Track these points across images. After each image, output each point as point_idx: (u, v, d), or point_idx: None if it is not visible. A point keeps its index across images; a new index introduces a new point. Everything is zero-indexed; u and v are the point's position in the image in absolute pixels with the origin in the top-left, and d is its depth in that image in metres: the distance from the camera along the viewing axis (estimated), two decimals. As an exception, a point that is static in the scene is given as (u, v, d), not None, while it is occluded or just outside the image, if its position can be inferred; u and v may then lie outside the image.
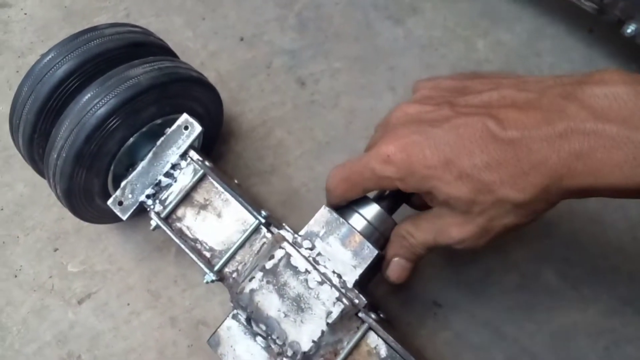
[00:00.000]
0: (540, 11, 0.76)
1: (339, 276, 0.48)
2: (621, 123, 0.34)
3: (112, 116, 0.50)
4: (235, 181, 0.61)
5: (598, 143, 0.35)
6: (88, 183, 0.54)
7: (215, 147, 0.69)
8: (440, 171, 0.40)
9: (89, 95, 0.51)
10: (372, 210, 0.50)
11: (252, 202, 0.55)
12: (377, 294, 0.62)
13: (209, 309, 0.63)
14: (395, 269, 0.49)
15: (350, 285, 0.48)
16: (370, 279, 0.54)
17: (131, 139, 0.54)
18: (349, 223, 0.49)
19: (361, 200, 0.50)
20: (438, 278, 0.62)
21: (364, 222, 0.50)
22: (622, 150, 0.34)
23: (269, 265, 0.48)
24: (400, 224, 0.48)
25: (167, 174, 0.54)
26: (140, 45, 0.57)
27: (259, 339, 0.48)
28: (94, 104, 0.50)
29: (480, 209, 0.40)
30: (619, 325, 0.60)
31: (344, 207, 0.51)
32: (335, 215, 0.50)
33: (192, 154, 0.54)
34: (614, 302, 0.61)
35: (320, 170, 0.69)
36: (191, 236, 0.53)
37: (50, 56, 0.53)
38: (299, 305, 0.47)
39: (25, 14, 0.82)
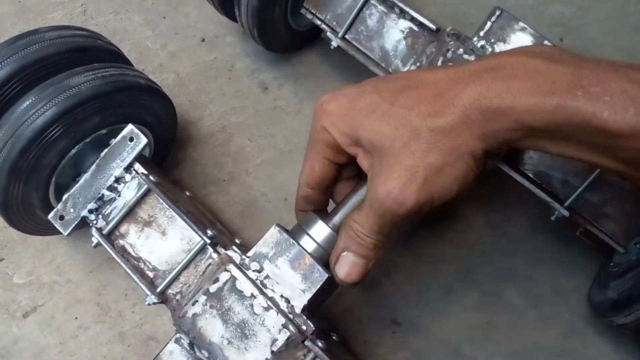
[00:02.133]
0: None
1: (287, 301, 0.46)
2: (547, 59, 0.36)
3: (50, 127, 0.48)
4: (187, 193, 0.58)
5: (520, 70, 0.36)
6: (26, 196, 0.51)
7: (170, 153, 0.66)
8: (366, 112, 0.41)
9: (25, 104, 0.48)
10: (322, 232, 0.48)
11: (201, 218, 0.53)
12: (334, 311, 0.60)
13: (159, 324, 0.60)
14: (344, 264, 0.44)
15: (298, 310, 0.46)
16: (323, 301, 0.52)
17: (73, 150, 0.52)
18: (299, 244, 0.47)
19: (310, 222, 0.48)
20: (398, 295, 0.61)
21: (314, 245, 0.47)
22: (542, 77, 0.35)
23: (213, 288, 0.46)
24: (348, 214, 0.45)
25: (111, 188, 0.51)
26: (86, 51, 0.54)
27: (201, 365, 0.46)
28: (30, 114, 0.47)
29: (400, 144, 0.39)
30: (580, 346, 0.59)
31: (294, 229, 0.49)
32: (285, 235, 0.47)
33: (138, 167, 0.52)
34: (576, 322, 0.59)
35: (281, 180, 0.67)
36: (134, 254, 0.50)
37: (-15, 61, 0.50)
38: (243, 332, 0.45)
39: (-23, 7, 0.78)
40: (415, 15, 0.57)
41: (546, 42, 0.52)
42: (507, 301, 0.60)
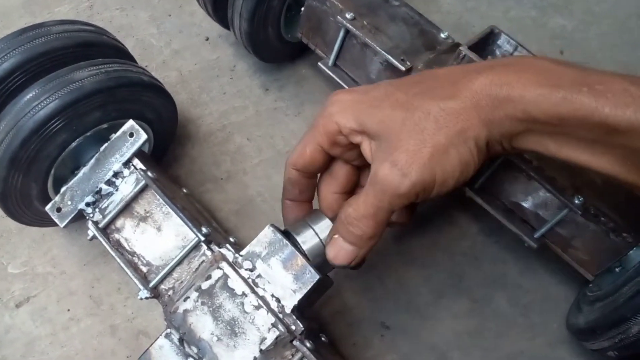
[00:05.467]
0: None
1: (278, 300, 0.47)
2: (555, 62, 0.38)
3: (52, 120, 0.48)
4: (184, 190, 0.59)
5: (530, 66, 0.38)
6: (25, 187, 0.52)
7: (169, 150, 0.67)
8: (379, 100, 0.42)
9: (28, 96, 0.49)
10: (326, 228, 0.48)
11: (196, 216, 0.54)
12: (325, 313, 0.61)
13: (150, 319, 0.61)
14: (333, 246, 0.45)
15: (288, 310, 0.46)
16: (314, 302, 0.52)
17: (73, 144, 0.52)
18: (292, 245, 0.48)
19: (317, 218, 0.49)
20: (388, 300, 0.61)
21: (316, 240, 0.48)
22: (550, 73, 0.37)
23: (205, 285, 0.47)
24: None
25: (109, 182, 0.52)
26: (91, 46, 0.55)
27: (190, 360, 0.47)
28: (33, 106, 0.48)
29: (411, 124, 0.40)
30: (566, 355, 0.59)
31: (298, 224, 0.49)
32: (279, 235, 0.48)
33: (136, 162, 0.52)
34: (563, 331, 0.60)
35: (277, 180, 0.68)
36: (129, 249, 0.51)
37: (-9, 52, 0.51)
38: (232, 330, 0.46)
39: (-16, -2, 0.79)
40: (387, 56, 0.57)
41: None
42: (496, 309, 0.61)
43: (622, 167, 0.37)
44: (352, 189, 0.50)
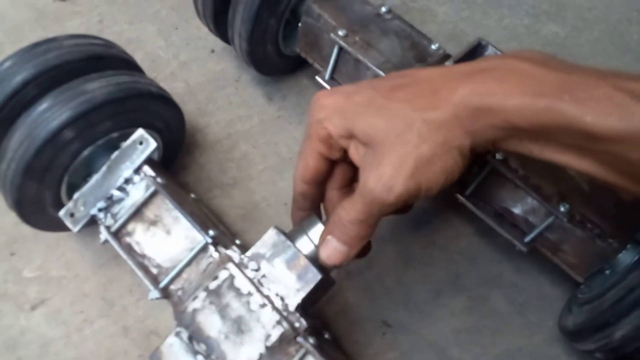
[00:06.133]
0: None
1: (282, 299, 0.49)
2: (537, 64, 0.38)
3: (64, 130, 0.51)
4: (192, 196, 0.62)
5: (511, 72, 0.38)
6: (39, 194, 0.54)
7: (178, 158, 0.69)
8: (363, 106, 0.43)
9: (42, 107, 0.51)
10: (320, 233, 0.50)
11: (204, 219, 0.56)
12: (327, 312, 0.63)
13: (162, 319, 0.63)
14: (326, 247, 0.46)
15: (292, 308, 0.49)
16: (317, 301, 0.54)
17: (85, 152, 0.55)
18: (295, 246, 0.50)
19: (311, 223, 0.51)
20: (388, 298, 0.63)
21: (312, 246, 0.50)
22: (532, 79, 0.37)
23: (212, 285, 0.49)
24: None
25: (120, 188, 0.54)
26: (101, 58, 0.57)
27: (199, 357, 0.49)
28: (46, 116, 0.50)
29: (394, 135, 0.40)
30: (562, 353, 0.61)
31: (295, 229, 0.52)
32: (282, 237, 0.50)
33: (146, 169, 0.55)
34: (558, 330, 0.62)
35: (282, 186, 0.70)
36: (139, 252, 0.53)
37: (6, 65, 0.53)
38: (239, 327, 0.48)
39: (-3, 13, 0.82)
40: (378, 72, 0.59)
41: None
42: (493, 307, 0.63)
43: (604, 170, 0.37)
44: (349, 184, 0.51)
